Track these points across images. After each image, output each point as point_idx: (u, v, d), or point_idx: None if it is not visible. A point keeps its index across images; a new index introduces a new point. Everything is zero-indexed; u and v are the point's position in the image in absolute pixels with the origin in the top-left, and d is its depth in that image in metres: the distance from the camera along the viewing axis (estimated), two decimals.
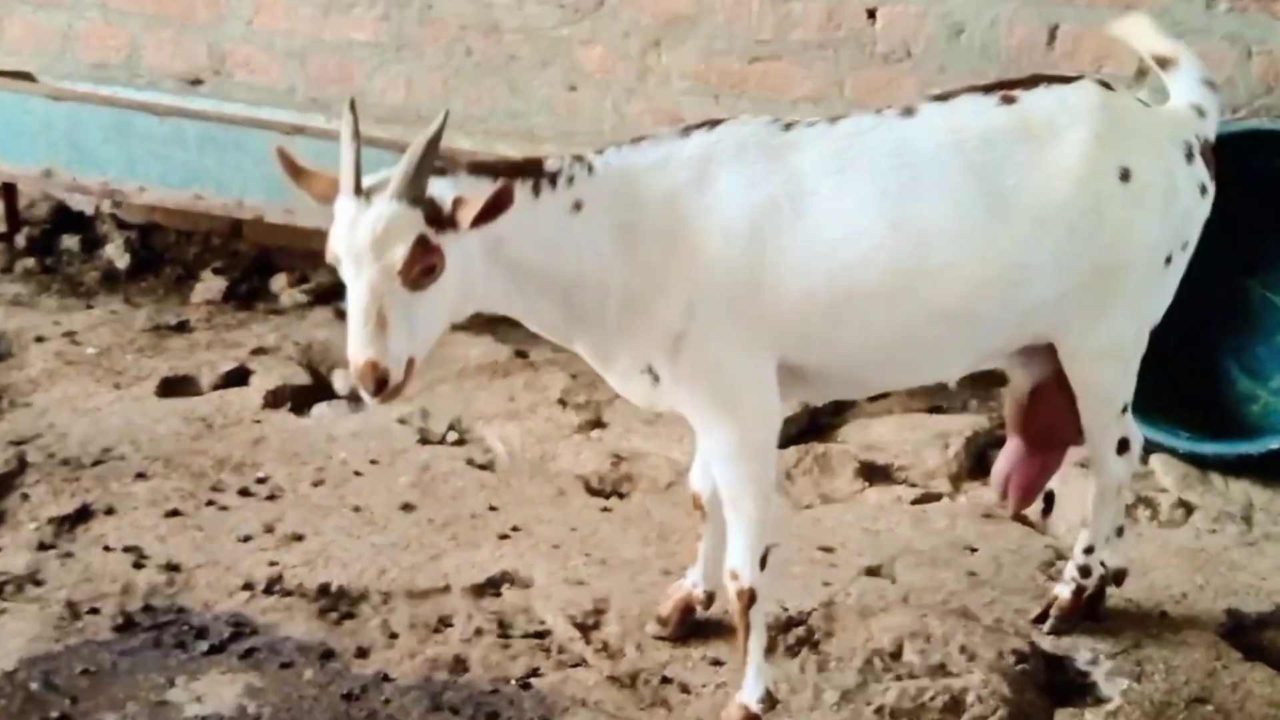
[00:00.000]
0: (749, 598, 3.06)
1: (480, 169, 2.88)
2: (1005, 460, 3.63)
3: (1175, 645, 3.49)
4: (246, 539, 3.86)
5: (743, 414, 2.99)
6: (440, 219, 2.66)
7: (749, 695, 3.12)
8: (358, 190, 2.66)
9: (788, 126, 2.96)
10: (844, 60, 4.96)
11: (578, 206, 2.88)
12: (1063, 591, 3.56)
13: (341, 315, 5.23)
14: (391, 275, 2.63)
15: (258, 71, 5.51)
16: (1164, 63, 3.38)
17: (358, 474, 4.22)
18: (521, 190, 2.79)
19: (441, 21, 5.30)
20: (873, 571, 3.77)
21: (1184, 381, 4.61)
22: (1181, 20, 4.60)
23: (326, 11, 5.38)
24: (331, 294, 5.45)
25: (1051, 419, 3.45)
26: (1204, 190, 3.28)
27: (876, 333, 3.01)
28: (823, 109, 4.96)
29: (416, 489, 4.14)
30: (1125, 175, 3.06)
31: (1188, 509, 4.14)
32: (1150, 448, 4.34)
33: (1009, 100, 3.05)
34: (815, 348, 3.00)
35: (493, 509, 4.06)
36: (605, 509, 4.09)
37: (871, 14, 4.90)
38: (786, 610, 3.56)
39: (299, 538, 3.87)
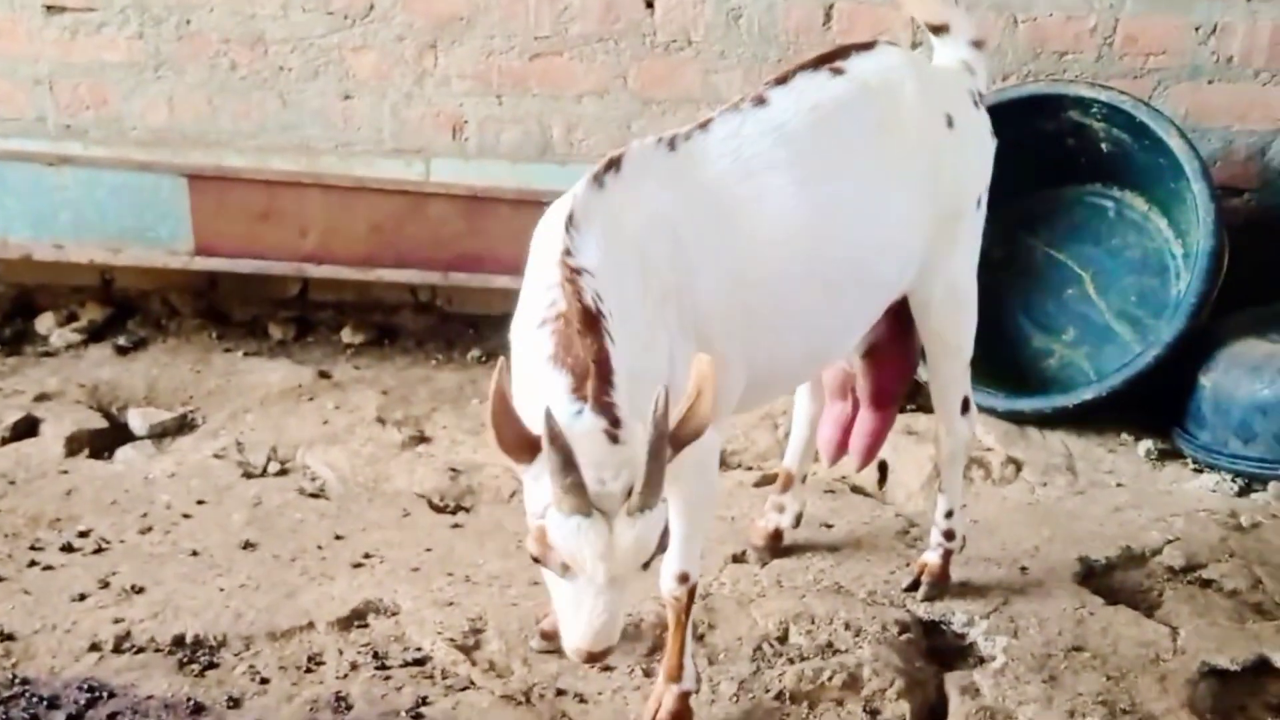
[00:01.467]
0: (693, 593, 3.07)
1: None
2: (831, 426, 3.72)
3: (1041, 598, 3.61)
4: (82, 597, 3.60)
5: (721, 426, 2.99)
6: None
7: (688, 681, 3.11)
8: (590, 509, 2.43)
9: (671, 145, 2.90)
10: (625, 52, 4.95)
11: None
12: (931, 558, 3.65)
13: (122, 352, 5.02)
14: (639, 571, 2.56)
15: (2, 102, 5.16)
16: (938, 29, 3.50)
17: (186, 516, 4.00)
18: None
19: (201, 36, 5.07)
20: (739, 559, 3.79)
21: (983, 344, 4.76)
22: None
23: (74, 33, 5.09)
24: (105, 331, 5.17)
25: (888, 377, 3.56)
26: (992, 136, 3.46)
27: (812, 320, 3.05)
28: (607, 103, 4.97)
29: (253, 525, 3.95)
30: (950, 121, 3.24)
31: (1016, 465, 4.30)
32: None
33: (838, 71, 3.13)
34: (764, 351, 3.00)
35: (339, 538, 3.91)
36: (455, 525, 3.99)
37: (650, 4, 4.90)
38: (664, 606, 3.53)
39: (139, 590, 3.64)
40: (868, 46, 3.23)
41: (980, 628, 3.51)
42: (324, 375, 4.89)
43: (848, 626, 3.45)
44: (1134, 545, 3.88)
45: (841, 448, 3.71)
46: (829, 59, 3.15)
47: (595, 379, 2.51)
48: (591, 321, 2.55)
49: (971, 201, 3.37)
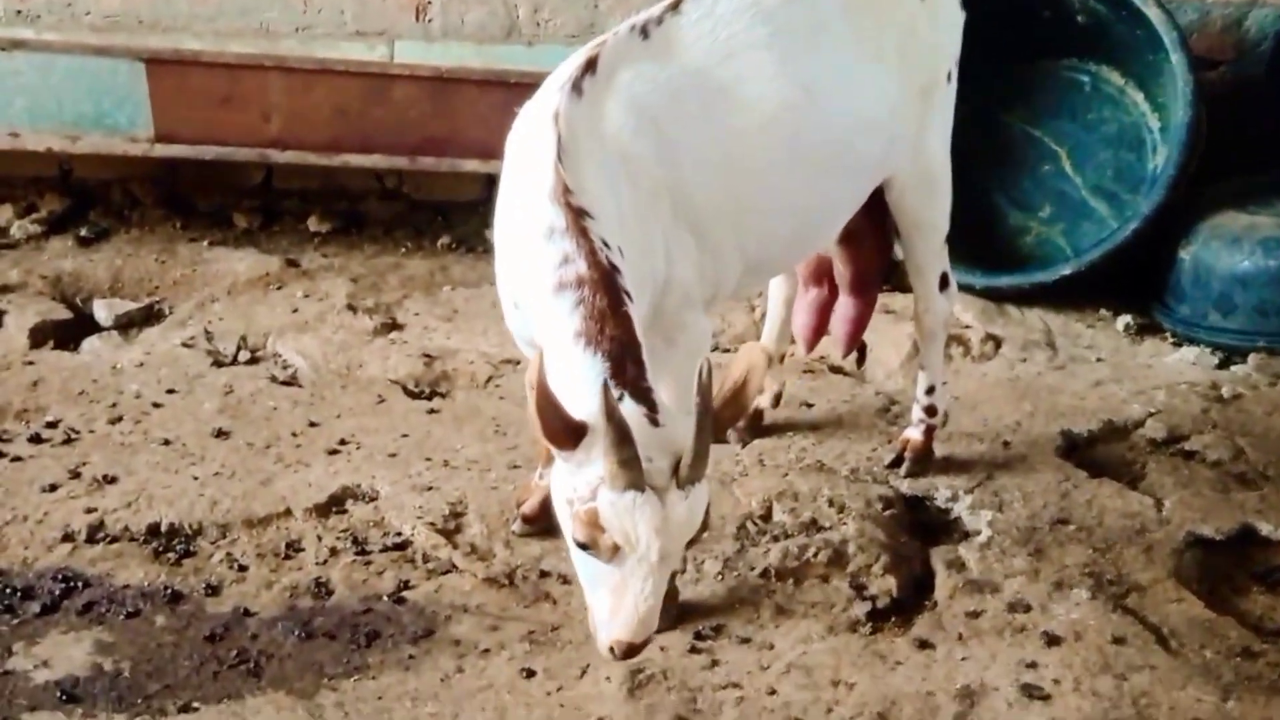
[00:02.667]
0: None
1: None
2: (808, 313, 3.67)
3: (1024, 472, 3.60)
4: (52, 488, 3.54)
5: (714, 312, 3.01)
6: None
7: None
8: (643, 485, 2.39)
9: (644, 33, 2.81)
10: None
11: None
12: (913, 434, 3.63)
13: (84, 243, 4.92)
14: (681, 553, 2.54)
15: None
16: None
17: (157, 405, 3.93)
18: None
19: None
20: (719, 441, 3.73)
21: (960, 222, 4.72)
22: None
23: None
24: (65, 221, 5.06)
25: (866, 261, 3.51)
26: (961, 8, 3.41)
27: (801, 203, 3.02)
28: None
29: (225, 414, 3.89)
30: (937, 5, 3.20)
31: (996, 342, 4.28)
32: None
33: None
34: (755, 237, 2.95)
35: (313, 424, 3.85)
36: (432, 411, 3.93)
37: None
38: None
39: (111, 480, 3.58)
40: None
41: (964, 502, 3.50)
42: (292, 264, 4.81)
43: (831, 503, 3.43)
44: (1115, 418, 3.87)
45: (819, 334, 3.67)
46: None
47: (631, 363, 2.51)
48: (614, 294, 2.53)
49: (943, 76, 3.31)
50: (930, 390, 3.62)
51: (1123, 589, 3.18)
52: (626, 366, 2.49)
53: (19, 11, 5.00)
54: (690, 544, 2.53)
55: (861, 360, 4.24)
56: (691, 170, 2.75)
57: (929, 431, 3.62)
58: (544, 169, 2.59)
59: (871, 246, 3.49)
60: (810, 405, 3.93)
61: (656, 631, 2.53)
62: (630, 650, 2.46)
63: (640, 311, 2.61)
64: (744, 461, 3.64)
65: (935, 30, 3.25)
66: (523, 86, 4.40)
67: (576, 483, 2.45)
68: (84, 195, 5.19)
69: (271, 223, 5.15)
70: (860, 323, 3.64)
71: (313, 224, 5.10)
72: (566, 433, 2.42)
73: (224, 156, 4.73)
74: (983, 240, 4.72)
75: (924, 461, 3.60)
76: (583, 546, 2.46)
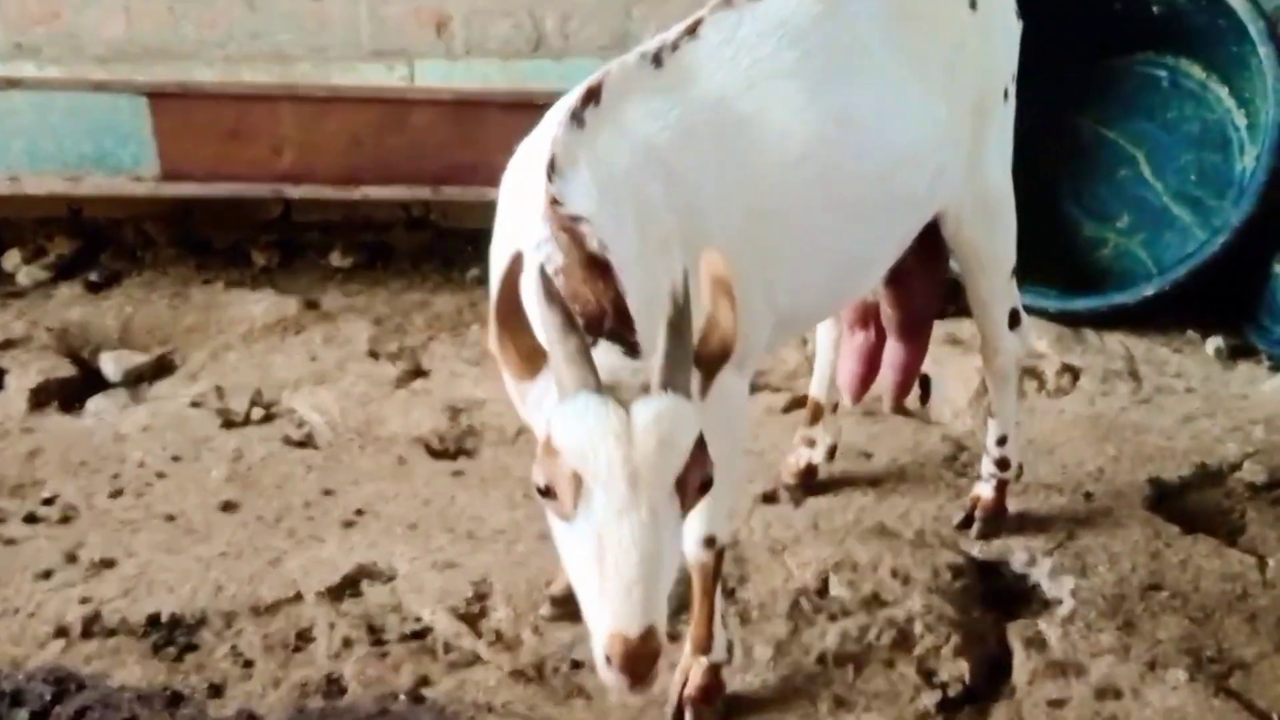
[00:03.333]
0: (721, 556, 2.71)
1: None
2: (852, 360, 3.31)
3: (1109, 529, 3.25)
4: (47, 574, 3.26)
5: (747, 370, 2.60)
6: None
7: (718, 651, 2.77)
8: (600, 387, 1.96)
9: (657, 61, 2.45)
10: None
11: None
12: (984, 491, 3.28)
13: (93, 288, 4.63)
14: (673, 493, 1.98)
15: None
16: None
17: (161, 475, 3.64)
18: None
19: None
20: (770, 499, 3.41)
21: (1030, 235, 4.35)
22: None
23: None
24: (74, 266, 4.78)
25: (916, 301, 3.14)
26: (1018, 15, 3.05)
27: (839, 248, 2.66)
28: None
29: (234, 483, 3.59)
30: (973, 3, 2.82)
31: (1073, 373, 3.91)
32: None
33: None
34: (787, 289, 2.58)
35: (327, 493, 3.55)
36: (456, 473, 3.62)
37: None
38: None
39: (109, 563, 3.30)
40: None
41: (1043, 567, 3.15)
42: (311, 305, 4.50)
43: (894, 574, 3.09)
44: (1209, 460, 3.51)
45: (866, 383, 3.29)
46: None
47: (613, 319, 2.13)
48: (601, 267, 2.16)
49: (999, 93, 2.94)
50: (1002, 440, 3.26)
51: (1225, 667, 2.84)
52: (606, 322, 2.13)
53: (19, 44, 4.72)
54: (688, 489, 1.99)
55: (925, 398, 3.88)
56: (709, 218, 2.38)
57: (1001, 487, 3.26)
58: (536, 194, 2.25)
59: (921, 286, 3.11)
60: (869, 455, 3.58)
61: None
62: (633, 657, 1.90)
63: None
64: (796, 526, 3.30)
65: (989, 42, 2.88)
66: (550, 108, 4.14)
67: (537, 417, 2.05)
68: (95, 235, 4.91)
69: (292, 259, 4.84)
70: (911, 370, 3.27)
71: (335, 259, 4.80)
72: (523, 354, 2.01)
73: (235, 193, 4.45)
74: (1056, 255, 4.34)
75: (997, 521, 3.25)
76: (545, 494, 2.01)
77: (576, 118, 2.30)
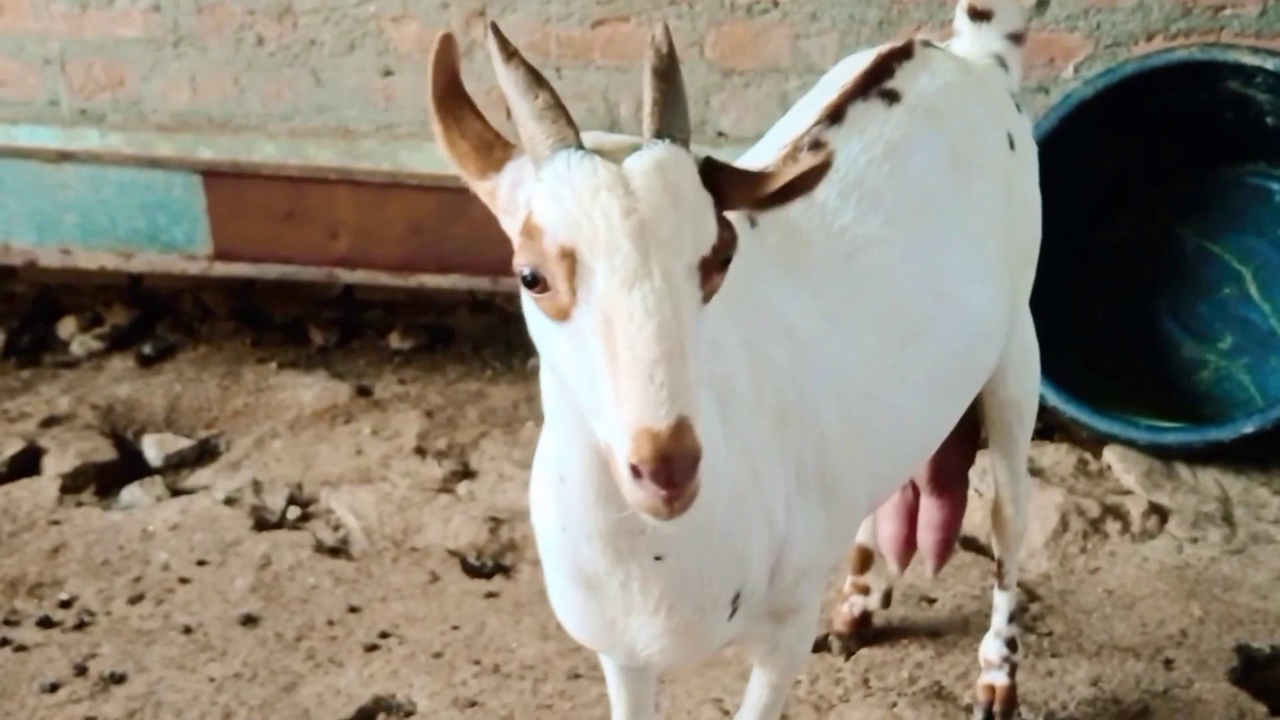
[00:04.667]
0: None
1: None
2: (893, 521, 3.01)
3: (1188, 705, 2.95)
4: (54, 688, 3.10)
5: (823, 582, 2.33)
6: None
7: None
8: (581, 142, 1.64)
9: (749, 219, 2.14)
10: (700, 16, 4.28)
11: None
12: (998, 679, 2.97)
13: (145, 362, 4.51)
14: (692, 270, 1.61)
15: (10, 84, 4.63)
16: (980, 15, 2.75)
17: (184, 581, 3.47)
18: None
19: (223, 8, 4.48)
20: (820, 647, 3.15)
21: (1122, 354, 4.08)
22: None
23: (84, 7, 4.53)
24: (130, 337, 4.66)
25: (950, 455, 2.83)
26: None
27: (928, 430, 2.44)
28: (685, 71, 4.28)
29: (258, 594, 3.41)
30: (1011, 142, 2.56)
31: (1161, 515, 3.60)
32: (1101, 439, 3.82)
33: (892, 97, 2.41)
34: (885, 476, 2.37)
35: (353, 610, 3.35)
36: (490, 594, 3.41)
37: None
38: (726, 713, 2.94)
39: (119, 679, 3.13)
40: (907, 53, 2.49)
41: None
42: (363, 392, 4.33)
43: None
44: None
45: (910, 543, 3.00)
46: (875, 79, 2.42)
47: None
48: None
49: (1039, 236, 2.68)
50: (1013, 618, 2.99)
51: None
52: None
53: (83, 110, 4.62)
54: (710, 264, 1.63)
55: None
56: (824, 397, 2.10)
57: (1014, 670, 2.97)
58: None
59: (954, 438, 2.82)
60: (932, 601, 3.32)
61: None
62: (665, 456, 1.51)
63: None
64: (846, 681, 3.04)
65: (1029, 184, 2.63)
66: None
67: (514, 211, 1.70)
68: (152, 305, 4.79)
69: (350, 338, 4.68)
70: (949, 528, 2.96)
71: (394, 340, 4.63)
72: (475, 144, 1.72)
73: (288, 276, 4.29)
74: (1150, 376, 4.05)
75: (1015, 710, 2.95)
76: (532, 285, 1.64)
77: None
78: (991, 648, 2.98)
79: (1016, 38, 2.77)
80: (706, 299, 1.64)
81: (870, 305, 2.22)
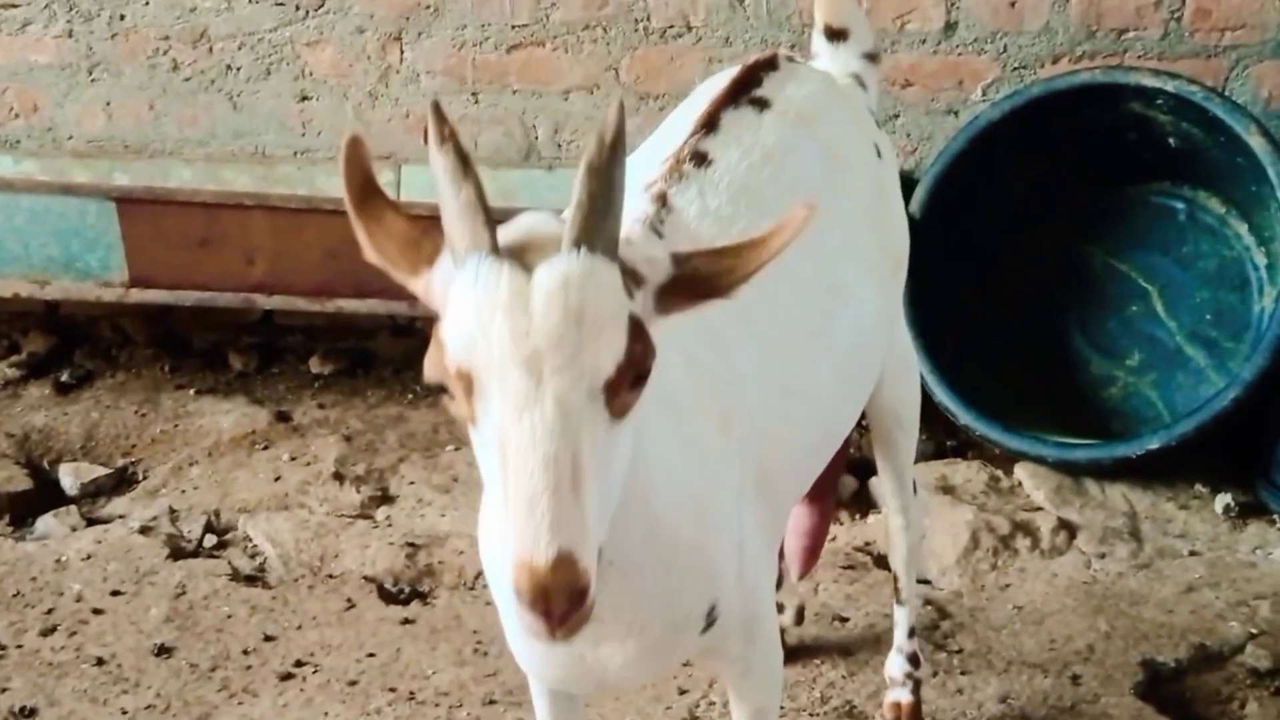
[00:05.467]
0: None
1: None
2: (793, 530, 3.06)
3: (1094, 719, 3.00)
4: None
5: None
6: (629, 289, 1.62)
7: None
8: (495, 247, 1.56)
9: (655, 229, 2.12)
10: (615, 40, 4.31)
11: None
12: (903, 696, 3.01)
13: (63, 390, 4.47)
14: (594, 391, 1.55)
15: None
16: (837, 34, 2.80)
17: (98, 611, 3.45)
18: None
19: (137, 33, 4.47)
20: None
21: (1033, 370, 4.14)
22: None
23: None
24: (47, 364, 4.62)
25: None
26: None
27: (835, 425, 2.46)
28: (597, 98, 4.34)
29: (173, 623, 3.40)
30: (879, 151, 2.62)
31: (1070, 531, 3.65)
32: (1013, 456, 3.87)
33: (762, 104, 2.42)
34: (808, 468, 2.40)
35: (269, 638, 3.35)
36: (406, 620, 3.41)
37: None
38: None
39: (29, 713, 3.11)
40: (772, 64, 2.52)
41: None
42: (283, 417, 4.32)
43: None
44: (1209, 641, 3.24)
45: (812, 554, 3.05)
46: (743, 88, 2.43)
47: None
48: None
49: (907, 247, 2.72)
50: (913, 632, 3.04)
51: None
52: None
53: None
54: (618, 384, 1.56)
55: None
56: (752, 395, 2.10)
57: (917, 686, 3.02)
58: None
59: None
60: (844, 620, 3.35)
61: None
62: (541, 590, 1.49)
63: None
64: None
65: (896, 192, 2.68)
66: None
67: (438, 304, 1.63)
68: (71, 331, 4.75)
69: (270, 362, 4.67)
70: (816, 535, 3.02)
71: (314, 365, 4.62)
72: (400, 241, 1.66)
73: (204, 302, 4.27)
74: (1060, 392, 4.11)
75: None
76: (440, 391, 1.61)
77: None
78: (895, 664, 3.02)
79: (872, 57, 2.83)
80: (620, 415, 1.58)
81: (777, 303, 2.21)
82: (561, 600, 1.50)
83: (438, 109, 1.60)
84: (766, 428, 2.12)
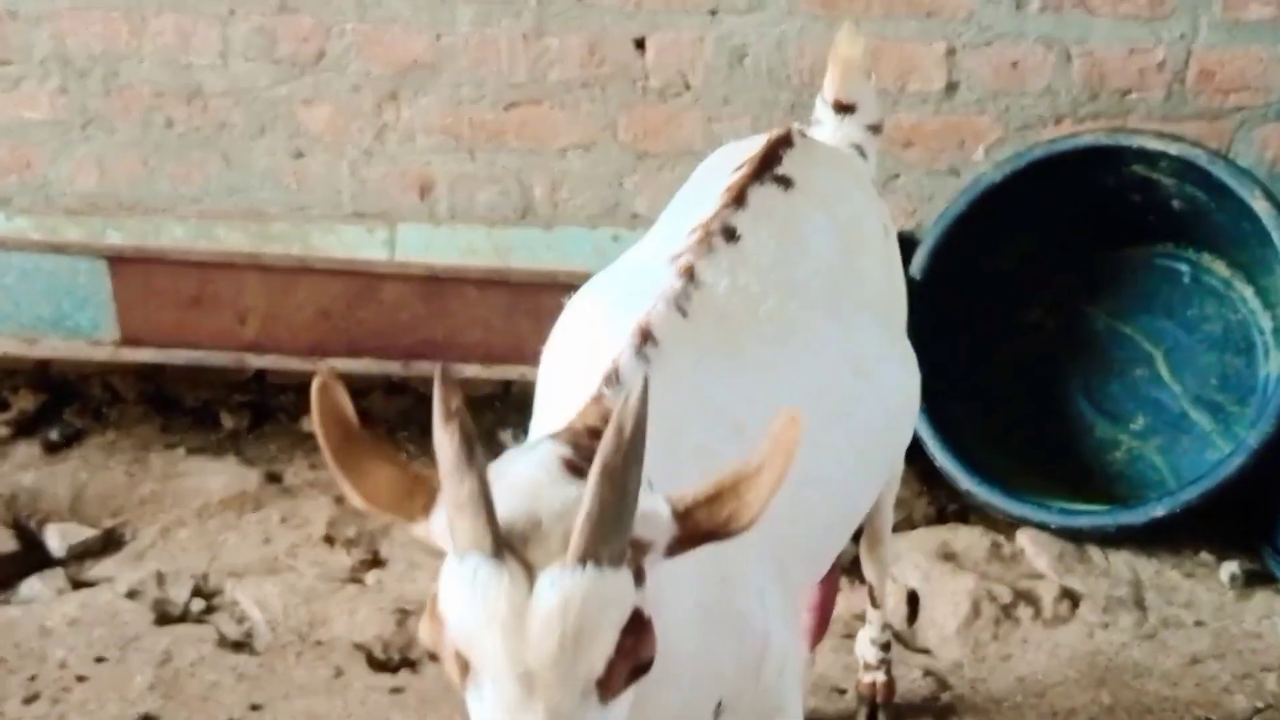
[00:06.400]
0: None
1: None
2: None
3: None
4: None
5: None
6: (639, 567, 1.58)
7: None
8: (498, 547, 1.51)
9: (681, 310, 2.09)
10: (613, 99, 4.27)
11: None
12: (879, 676, 3.17)
13: (51, 449, 4.42)
14: (589, 691, 1.52)
15: None
16: (846, 108, 2.85)
17: (81, 679, 3.38)
18: None
19: (131, 89, 4.43)
20: None
21: (1036, 435, 4.08)
22: (990, 24, 4.07)
23: None
24: (36, 422, 4.56)
25: None
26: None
27: (856, 506, 2.48)
28: (595, 157, 4.32)
29: (157, 691, 3.33)
30: (887, 231, 2.66)
31: (1073, 599, 3.59)
32: (1015, 522, 3.81)
33: (785, 183, 2.44)
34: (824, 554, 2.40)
35: (255, 708, 3.28)
36: (395, 689, 3.34)
37: (640, 44, 4.21)
38: None
39: None
40: (788, 141, 2.53)
41: None
42: (273, 479, 4.26)
43: None
44: (1214, 716, 3.18)
45: (821, 629, 3.10)
46: (766, 165, 2.44)
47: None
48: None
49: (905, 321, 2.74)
50: (887, 626, 3.18)
51: None
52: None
53: None
54: (613, 682, 1.52)
55: (913, 618, 3.58)
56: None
57: (890, 667, 3.17)
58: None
59: None
60: (842, 692, 3.28)
61: None
62: None
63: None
64: None
65: (900, 268, 2.73)
66: (528, 287, 3.92)
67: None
68: (61, 389, 4.69)
69: (262, 421, 4.60)
70: (826, 607, 3.06)
71: (306, 424, 4.55)
72: (394, 490, 1.63)
73: (196, 361, 4.24)
74: (1064, 456, 4.05)
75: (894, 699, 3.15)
76: (433, 658, 1.61)
77: (640, 354, 1.95)
78: (867, 654, 3.16)
79: (876, 128, 2.88)
80: (617, 693, 1.54)
81: (802, 387, 2.19)
82: None
83: (445, 374, 1.57)
84: (788, 515, 2.06)
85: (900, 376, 2.51)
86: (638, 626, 1.53)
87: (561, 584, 1.48)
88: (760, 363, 2.18)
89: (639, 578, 1.55)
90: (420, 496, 1.62)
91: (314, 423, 1.67)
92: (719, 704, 1.95)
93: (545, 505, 1.56)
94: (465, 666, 1.53)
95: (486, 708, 1.51)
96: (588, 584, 1.48)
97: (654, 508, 1.59)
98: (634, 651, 1.53)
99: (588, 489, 1.50)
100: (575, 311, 2.27)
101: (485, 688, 1.51)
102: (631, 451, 1.50)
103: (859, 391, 2.32)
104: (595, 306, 2.24)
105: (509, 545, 1.51)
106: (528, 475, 1.61)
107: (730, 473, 1.60)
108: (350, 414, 1.68)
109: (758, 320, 2.22)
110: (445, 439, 1.55)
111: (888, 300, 2.58)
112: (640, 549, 1.56)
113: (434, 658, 1.59)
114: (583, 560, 1.49)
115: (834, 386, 2.28)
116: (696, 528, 1.59)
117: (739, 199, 2.35)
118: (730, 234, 2.29)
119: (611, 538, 1.50)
